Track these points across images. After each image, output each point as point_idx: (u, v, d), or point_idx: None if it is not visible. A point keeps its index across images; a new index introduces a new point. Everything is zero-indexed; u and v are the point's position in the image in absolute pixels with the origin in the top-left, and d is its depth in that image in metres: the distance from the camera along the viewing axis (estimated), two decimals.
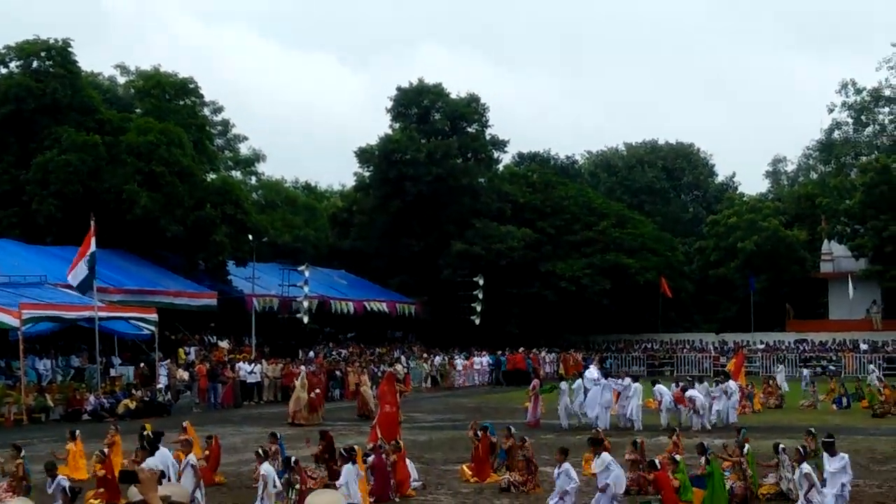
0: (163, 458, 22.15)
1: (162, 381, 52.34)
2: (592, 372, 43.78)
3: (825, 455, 22.61)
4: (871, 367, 65.38)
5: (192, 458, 22.47)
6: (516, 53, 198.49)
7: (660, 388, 42.11)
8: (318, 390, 47.01)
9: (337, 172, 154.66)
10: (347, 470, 22.35)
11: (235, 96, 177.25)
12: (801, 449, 23.43)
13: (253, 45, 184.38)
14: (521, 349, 76.45)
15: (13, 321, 44.47)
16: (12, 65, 65.95)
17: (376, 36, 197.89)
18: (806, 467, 21.77)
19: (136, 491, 8.82)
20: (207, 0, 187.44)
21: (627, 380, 43.01)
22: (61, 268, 52.78)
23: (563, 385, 43.48)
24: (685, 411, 40.89)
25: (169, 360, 55.29)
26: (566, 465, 22.50)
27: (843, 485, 21.89)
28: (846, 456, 22.40)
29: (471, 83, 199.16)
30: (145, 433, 27.07)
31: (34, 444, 32.25)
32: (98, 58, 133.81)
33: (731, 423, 39.80)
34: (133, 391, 48.80)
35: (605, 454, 22.85)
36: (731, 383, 43.60)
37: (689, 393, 41.26)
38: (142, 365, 54.26)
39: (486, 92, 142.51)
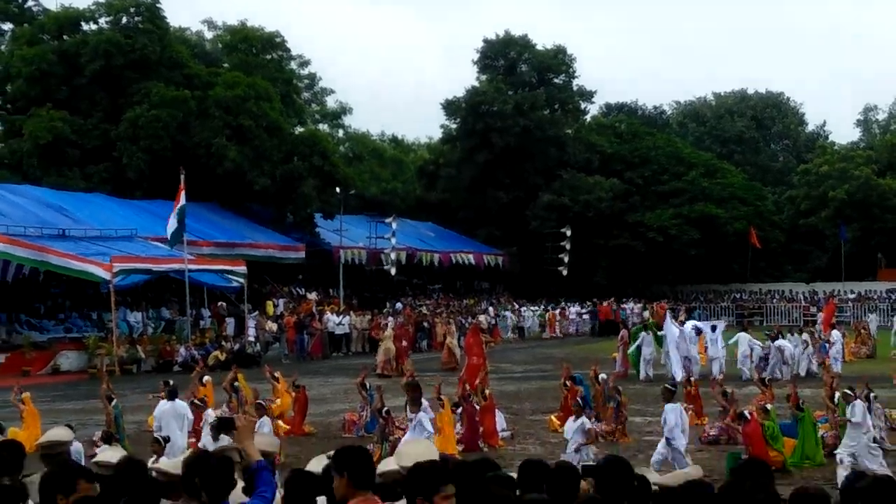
0: (179, 407, 22.53)
1: (251, 333, 52.84)
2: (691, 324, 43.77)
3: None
4: None
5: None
6: (595, 4, 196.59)
7: (742, 336, 41.81)
8: (404, 342, 47.30)
9: (421, 125, 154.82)
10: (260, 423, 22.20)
11: (315, 49, 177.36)
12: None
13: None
14: (609, 300, 76.09)
15: (105, 274, 45.07)
16: (102, 21, 66.54)
17: None
18: (585, 423, 21.66)
19: (229, 440, 8.91)
20: None
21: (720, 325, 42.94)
22: (151, 221, 53.37)
23: (643, 334, 43.14)
24: (773, 361, 40.50)
25: (257, 312, 55.83)
26: (420, 415, 22.33)
27: (667, 439, 21.42)
28: (676, 407, 22.05)
29: (552, 34, 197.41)
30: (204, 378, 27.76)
31: (126, 396, 32.64)
32: (177, 12, 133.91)
33: (836, 372, 38.89)
34: (223, 343, 49.22)
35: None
36: (834, 332, 43.03)
37: (778, 342, 40.90)
38: (219, 304, 54.83)
39: (568, 42, 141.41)
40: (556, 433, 26.70)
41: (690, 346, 40.97)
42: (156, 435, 20.25)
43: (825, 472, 21.51)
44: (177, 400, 22.81)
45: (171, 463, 9.75)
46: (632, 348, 42.82)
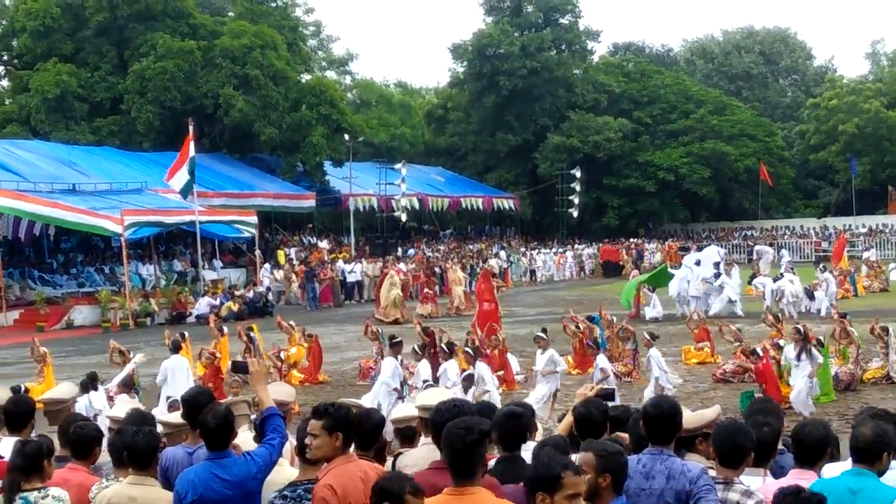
0: (178, 361, 22.65)
1: (265, 283, 52.99)
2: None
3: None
4: None
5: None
6: None
7: (759, 280, 41.76)
8: (426, 290, 47.44)
9: (428, 70, 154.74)
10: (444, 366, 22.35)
11: None
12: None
13: None
14: (620, 240, 76.23)
15: (116, 227, 45.14)
16: None
17: None
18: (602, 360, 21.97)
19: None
20: None
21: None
22: (161, 174, 53.36)
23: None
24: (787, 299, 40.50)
25: (269, 263, 56.05)
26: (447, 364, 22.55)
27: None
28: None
29: None
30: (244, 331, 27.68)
31: (140, 348, 32.76)
32: None
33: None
34: (235, 293, 49.26)
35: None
36: (827, 275, 42.84)
37: (777, 283, 40.93)
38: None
39: None
40: (570, 375, 26.79)
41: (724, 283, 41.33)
42: (172, 397, 20.38)
43: (838, 408, 21.59)
44: (175, 357, 22.90)
45: (175, 415, 9.87)
46: (631, 283, 42.88)
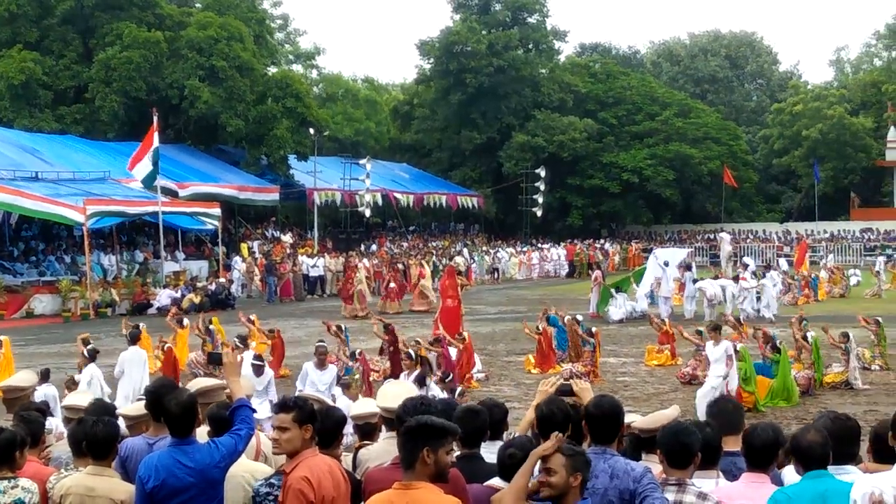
0: (136, 353, 22.53)
1: (234, 276, 52.96)
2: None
3: None
4: None
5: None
6: None
7: (703, 283, 41.78)
8: (392, 284, 47.30)
9: (395, 66, 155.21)
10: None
11: None
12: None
13: None
14: (586, 241, 76.44)
15: (79, 217, 44.89)
16: None
17: None
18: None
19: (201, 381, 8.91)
20: None
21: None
22: (124, 164, 53.14)
23: (636, 286, 43.24)
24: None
25: (236, 255, 55.96)
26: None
27: None
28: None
29: None
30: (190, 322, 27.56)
31: (101, 339, 32.60)
32: None
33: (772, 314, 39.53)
34: (196, 285, 49.07)
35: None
36: (772, 274, 43.35)
37: (699, 284, 41.32)
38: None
39: None
40: (531, 374, 26.84)
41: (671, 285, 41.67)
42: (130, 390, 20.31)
43: (797, 412, 21.64)
44: (133, 348, 22.75)
45: (134, 407, 9.82)
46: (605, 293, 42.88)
